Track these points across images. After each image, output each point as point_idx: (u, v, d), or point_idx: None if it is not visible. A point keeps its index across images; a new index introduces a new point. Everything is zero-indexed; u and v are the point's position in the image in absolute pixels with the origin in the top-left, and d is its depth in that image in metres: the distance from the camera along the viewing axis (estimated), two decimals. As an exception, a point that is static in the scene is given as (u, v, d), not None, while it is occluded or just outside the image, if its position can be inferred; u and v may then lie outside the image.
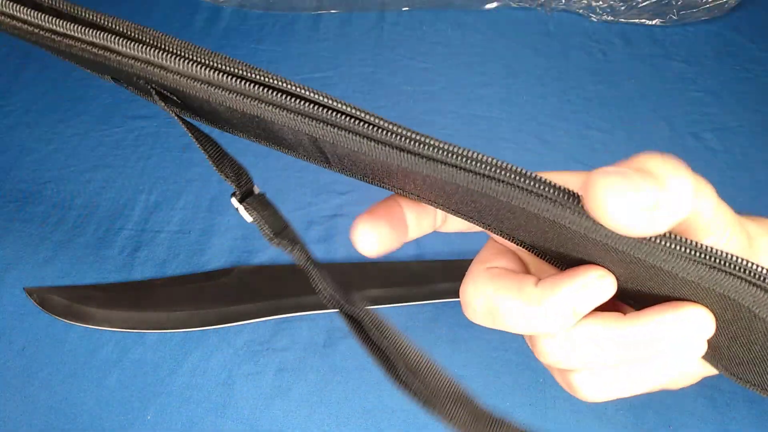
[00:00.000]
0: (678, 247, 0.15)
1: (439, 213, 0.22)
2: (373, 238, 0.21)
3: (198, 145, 0.20)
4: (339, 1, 0.69)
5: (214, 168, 0.20)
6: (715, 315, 0.18)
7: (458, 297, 0.43)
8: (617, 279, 0.18)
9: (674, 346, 0.18)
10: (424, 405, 0.22)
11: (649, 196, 0.14)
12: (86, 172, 0.54)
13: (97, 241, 0.49)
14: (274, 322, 0.43)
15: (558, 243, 0.18)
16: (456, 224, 0.23)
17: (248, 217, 0.21)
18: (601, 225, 0.15)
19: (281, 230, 0.21)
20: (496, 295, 0.19)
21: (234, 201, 0.21)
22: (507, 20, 0.67)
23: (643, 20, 0.66)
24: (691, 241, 0.15)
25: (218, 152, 0.21)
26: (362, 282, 0.43)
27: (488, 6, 0.69)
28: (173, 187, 0.53)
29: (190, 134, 0.20)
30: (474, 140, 0.55)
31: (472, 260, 0.44)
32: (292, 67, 0.63)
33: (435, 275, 0.43)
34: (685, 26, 0.66)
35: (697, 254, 0.15)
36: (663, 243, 0.15)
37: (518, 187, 0.15)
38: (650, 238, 0.15)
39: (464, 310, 0.21)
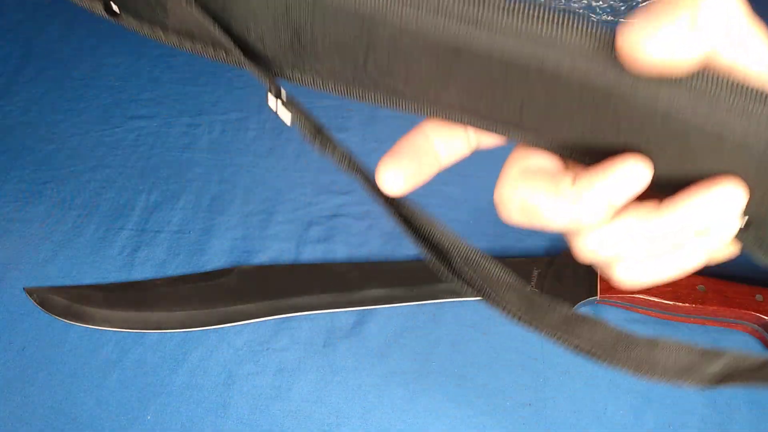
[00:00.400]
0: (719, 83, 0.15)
1: (471, 132, 0.21)
2: (398, 174, 0.21)
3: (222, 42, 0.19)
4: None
5: (242, 61, 0.19)
6: (753, 184, 0.17)
7: (458, 297, 0.43)
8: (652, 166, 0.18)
9: (709, 227, 0.18)
10: (479, 293, 0.22)
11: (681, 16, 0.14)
12: (86, 172, 0.54)
13: (97, 241, 0.49)
14: (274, 322, 0.43)
15: (592, 130, 0.18)
16: (491, 139, 0.22)
17: (287, 118, 0.20)
18: (639, 60, 0.15)
19: (319, 130, 0.20)
20: (533, 195, 0.19)
21: (271, 99, 0.20)
22: (507, 20, 0.67)
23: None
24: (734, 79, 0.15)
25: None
26: (362, 282, 0.43)
27: (488, 6, 0.68)
28: (173, 187, 0.53)
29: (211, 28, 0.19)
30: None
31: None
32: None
33: (435, 275, 0.43)
34: (685, 26, 0.66)
35: (742, 89, 0.15)
36: (704, 79, 0.15)
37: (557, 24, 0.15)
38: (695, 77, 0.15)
39: (499, 212, 0.20)
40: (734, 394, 0.38)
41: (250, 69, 0.19)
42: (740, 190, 0.17)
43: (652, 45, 0.14)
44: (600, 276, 0.41)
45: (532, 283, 0.42)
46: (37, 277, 0.47)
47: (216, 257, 0.47)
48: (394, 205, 0.21)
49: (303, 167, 0.54)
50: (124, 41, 0.67)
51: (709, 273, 0.41)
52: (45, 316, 0.44)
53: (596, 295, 0.40)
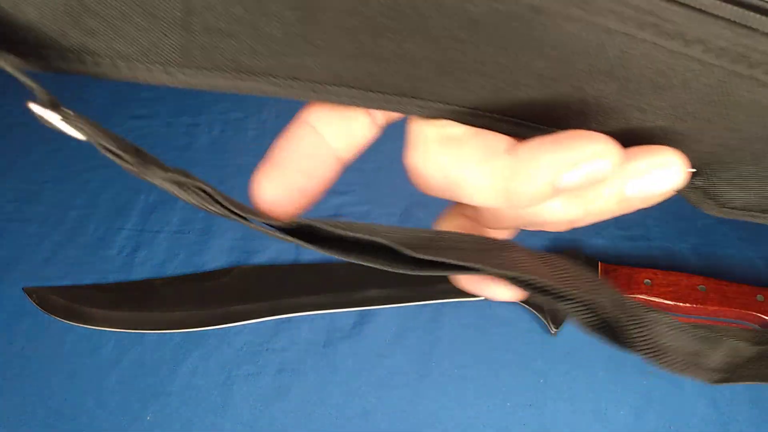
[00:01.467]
0: None
1: (376, 112, 0.17)
2: (282, 191, 0.16)
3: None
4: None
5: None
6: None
7: (458, 297, 0.43)
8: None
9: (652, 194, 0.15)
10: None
11: None
12: (85, 172, 0.54)
13: (96, 241, 0.49)
14: (274, 322, 0.43)
15: (512, 79, 0.14)
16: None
17: (77, 134, 0.15)
18: None
19: (136, 151, 0.15)
20: (458, 167, 0.15)
21: (40, 110, 0.14)
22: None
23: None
24: None
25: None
26: (362, 282, 0.43)
27: (488, 5, 0.68)
28: (173, 187, 0.53)
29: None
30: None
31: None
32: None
33: (435, 275, 0.43)
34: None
35: None
36: None
37: None
38: None
39: (413, 181, 0.16)
40: (735, 394, 0.37)
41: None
42: (681, 166, 0.15)
43: None
44: (600, 276, 0.41)
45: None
46: (37, 277, 0.47)
47: (216, 257, 0.47)
48: (299, 231, 0.16)
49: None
50: (124, 41, 0.67)
51: (710, 273, 0.41)
52: (44, 317, 0.44)
53: None
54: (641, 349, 0.17)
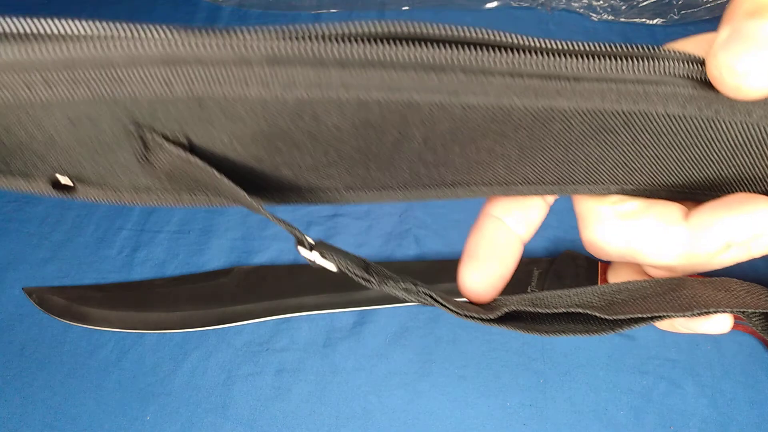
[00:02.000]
0: None
1: (538, 198, 0.20)
2: (486, 281, 0.18)
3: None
4: (339, 0, 0.69)
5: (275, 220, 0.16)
6: None
7: (459, 297, 0.43)
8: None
9: None
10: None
11: None
12: (86, 171, 0.54)
13: (96, 242, 0.49)
14: (274, 323, 0.43)
15: (683, 165, 0.17)
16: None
17: (331, 266, 0.17)
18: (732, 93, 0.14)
19: (366, 266, 0.18)
20: (639, 237, 0.18)
21: (303, 251, 0.17)
22: (507, 19, 0.67)
23: (644, 20, 0.66)
24: None
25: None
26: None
27: (488, 5, 0.68)
28: (173, 187, 0.52)
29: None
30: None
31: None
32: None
33: (435, 275, 0.43)
34: (686, 25, 0.66)
35: None
36: None
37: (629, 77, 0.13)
38: None
39: (590, 250, 0.19)
40: (735, 394, 0.37)
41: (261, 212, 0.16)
42: None
43: (757, 76, 0.13)
44: (600, 276, 0.41)
45: (533, 283, 0.42)
46: (37, 278, 0.47)
47: (215, 257, 0.47)
48: (493, 310, 0.18)
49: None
50: (124, 41, 0.67)
51: (710, 273, 0.41)
52: (44, 317, 0.44)
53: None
54: None
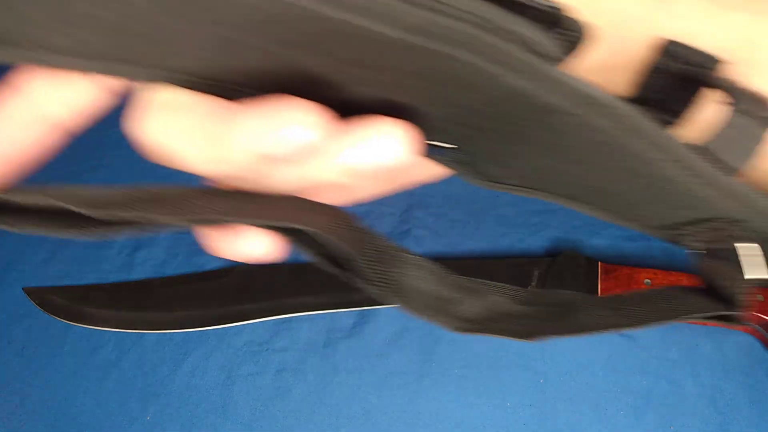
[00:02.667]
0: None
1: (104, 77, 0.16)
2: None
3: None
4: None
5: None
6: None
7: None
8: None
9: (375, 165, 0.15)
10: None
11: None
12: (85, 172, 0.54)
13: (96, 241, 0.49)
14: (274, 323, 0.43)
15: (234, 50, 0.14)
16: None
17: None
18: None
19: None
20: (173, 134, 0.15)
21: None
22: (507, 19, 0.67)
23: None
24: None
25: None
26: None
27: (488, 5, 0.68)
28: (173, 187, 0.52)
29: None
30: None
31: (473, 260, 0.44)
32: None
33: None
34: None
35: None
36: None
37: None
38: None
39: (136, 148, 0.16)
40: (736, 394, 0.37)
41: None
42: (402, 137, 0.15)
43: None
44: (600, 276, 0.41)
45: (533, 283, 0.42)
46: (37, 278, 0.47)
47: (215, 257, 0.47)
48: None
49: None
50: (124, 41, 0.67)
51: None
52: (44, 317, 0.44)
53: (597, 295, 0.40)
54: (377, 286, 0.17)
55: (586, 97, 0.14)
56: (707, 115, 0.18)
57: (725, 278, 0.18)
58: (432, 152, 0.18)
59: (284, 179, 0.16)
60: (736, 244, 0.18)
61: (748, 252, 0.18)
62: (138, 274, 0.46)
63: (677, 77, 0.17)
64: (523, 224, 0.48)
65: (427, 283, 0.18)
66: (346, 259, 0.17)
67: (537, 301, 0.18)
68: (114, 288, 0.45)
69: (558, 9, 0.15)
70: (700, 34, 0.16)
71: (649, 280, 0.40)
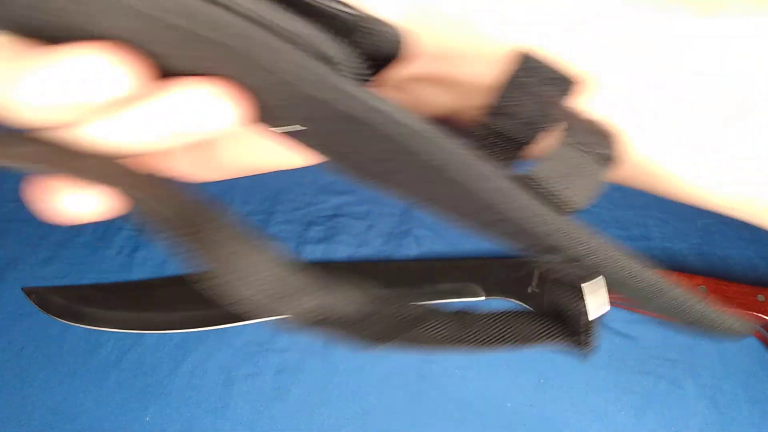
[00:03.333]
0: None
1: None
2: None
3: None
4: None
5: None
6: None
7: (459, 297, 0.43)
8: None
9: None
10: None
11: None
12: None
13: (96, 241, 0.49)
14: (274, 323, 0.43)
15: None
16: None
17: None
18: None
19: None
20: None
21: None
22: None
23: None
24: None
25: None
26: (362, 282, 0.43)
27: None
28: (172, 187, 0.52)
29: None
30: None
31: (473, 260, 0.44)
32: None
33: (435, 275, 0.43)
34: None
35: None
36: None
37: None
38: None
39: None
40: (736, 394, 0.37)
41: None
42: (224, 99, 0.14)
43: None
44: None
45: (533, 283, 0.41)
46: (36, 278, 0.46)
47: (215, 257, 0.47)
48: None
49: (303, 167, 0.53)
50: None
51: (710, 273, 0.41)
52: (44, 317, 0.44)
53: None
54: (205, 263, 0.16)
55: (377, 111, 0.14)
56: (549, 142, 0.16)
57: (573, 315, 0.18)
58: (281, 134, 0.16)
59: (98, 135, 0.14)
60: (583, 285, 0.18)
61: (593, 289, 0.18)
62: (138, 274, 0.46)
63: (528, 95, 0.16)
64: (523, 224, 0.48)
65: (258, 269, 0.16)
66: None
67: (377, 309, 0.18)
68: (114, 288, 0.45)
69: (359, 15, 0.14)
70: (552, 47, 0.15)
71: (649, 280, 0.40)
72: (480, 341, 0.18)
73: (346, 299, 0.17)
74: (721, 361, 0.39)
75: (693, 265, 0.44)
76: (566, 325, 0.18)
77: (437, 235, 0.47)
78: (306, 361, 0.41)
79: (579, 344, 0.18)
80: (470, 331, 0.18)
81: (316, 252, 0.47)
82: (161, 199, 0.16)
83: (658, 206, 0.48)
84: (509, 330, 0.18)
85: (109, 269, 0.47)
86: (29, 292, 0.45)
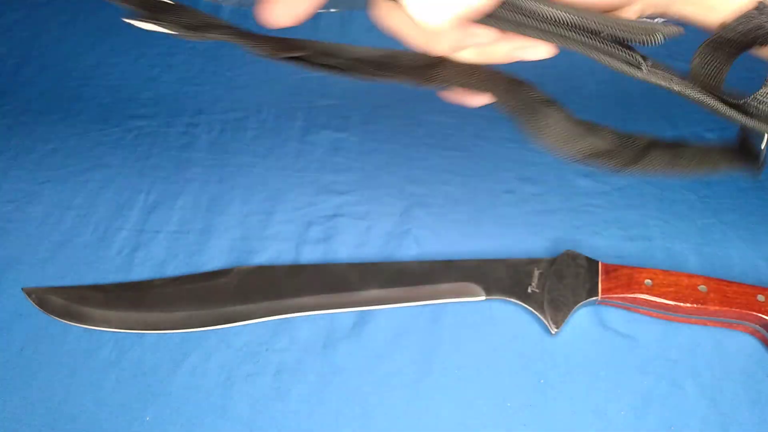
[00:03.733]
0: None
1: None
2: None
3: None
4: (340, 0, 0.69)
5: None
6: None
7: (458, 297, 0.43)
8: None
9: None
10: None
11: None
12: (85, 172, 0.54)
13: (95, 242, 0.49)
14: (274, 323, 0.43)
15: None
16: None
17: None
18: None
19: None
20: (398, 20, 0.26)
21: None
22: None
23: (645, 19, 0.66)
24: None
25: None
26: (362, 282, 0.43)
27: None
28: (172, 187, 0.52)
29: None
30: (475, 139, 0.55)
31: (473, 260, 0.44)
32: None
33: (435, 275, 0.43)
34: (688, 25, 0.66)
35: None
36: None
37: None
38: None
39: (378, 26, 0.28)
40: (736, 394, 0.37)
41: None
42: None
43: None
44: (601, 276, 0.41)
45: (533, 283, 0.41)
46: (36, 278, 0.46)
47: (215, 257, 0.47)
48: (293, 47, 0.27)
49: (303, 167, 0.53)
50: (123, 41, 0.67)
51: (710, 273, 0.41)
52: (43, 317, 0.44)
53: (597, 295, 0.40)
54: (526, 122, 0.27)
55: None
56: None
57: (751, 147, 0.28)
58: None
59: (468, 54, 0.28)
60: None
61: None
62: (137, 274, 0.46)
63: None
64: (523, 224, 0.48)
65: (561, 122, 0.27)
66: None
67: (626, 142, 0.28)
68: (114, 288, 0.45)
69: None
70: None
71: (649, 281, 0.40)
72: (688, 167, 0.28)
73: (604, 139, 0.27)
74: (721, 361, 0.39)
75: (693, 265, 0.44)
76: (746, 154, 0.27)
77: (437, 235, 0.47)
78: (306, 361, 0.41)
79: (755, 167, 0.27)
80: (682, 159, 0.28)
81: (316, 252, 0.47)
82: (491, 77, 0.29)
83: (658, 206, 0.48)
84: (707, 158, 0.28)
85: (108, 269, 0.47)
86: (29, 292, 0.45)
